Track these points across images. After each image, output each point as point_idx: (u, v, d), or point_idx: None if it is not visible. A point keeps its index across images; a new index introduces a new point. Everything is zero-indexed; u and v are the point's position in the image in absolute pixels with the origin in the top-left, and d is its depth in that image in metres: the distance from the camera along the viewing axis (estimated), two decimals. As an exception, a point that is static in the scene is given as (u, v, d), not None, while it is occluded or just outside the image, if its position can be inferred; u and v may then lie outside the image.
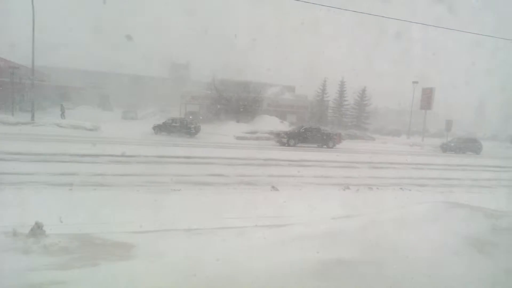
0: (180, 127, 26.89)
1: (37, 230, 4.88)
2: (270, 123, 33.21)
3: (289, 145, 24.48)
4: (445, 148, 30.28)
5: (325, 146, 25.45)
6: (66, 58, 51.64)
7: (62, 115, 31.08)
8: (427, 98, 39.29)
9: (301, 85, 52.02)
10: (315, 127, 26.66)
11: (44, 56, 27.97)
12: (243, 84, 37.18)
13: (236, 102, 36.43)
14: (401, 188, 11.27)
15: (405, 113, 43.68)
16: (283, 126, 33.46)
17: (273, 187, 9.59)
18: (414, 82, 39.76)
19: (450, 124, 37.44)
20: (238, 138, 27.39)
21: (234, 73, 39.32)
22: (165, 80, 59.17)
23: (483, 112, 50.97)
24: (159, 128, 27.01)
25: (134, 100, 49.29)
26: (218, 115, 36.92)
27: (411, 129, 42.83)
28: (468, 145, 30.68)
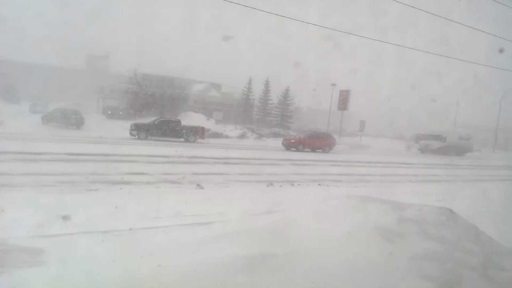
0: (63, 118, 25.61)
1: None
2: (196, 120, 32.76)
3: (139, 138, 22.93)
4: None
5: (183, 141, 24.15)
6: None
7: None
8: (343, 100, 42.16)
9: (227, 83, 52.16)
10: (174, 120, 25.53)
11: None
12: (168, 80, 36.08)
13: (160, 98, 35.22)
14: (319, 184, 11.95)
15: (324, 113, 46.38)
16: (209, 124, 33.27)
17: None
18: (332, 84, 42.42)
19: (363, 124, 40.76)
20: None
21: (158, 68, 37.96)
22: (81, 72, 54.54)
23: (394, 114, 56.35)
24: (47, 119, 25.86)
25: (46, 92, 44.63)
26: (140, 110, 35.28)
27: (329, 128, 45.66)
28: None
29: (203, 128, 25.83)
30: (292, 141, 26.52)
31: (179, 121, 25.41)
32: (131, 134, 23.19)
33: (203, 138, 25.18)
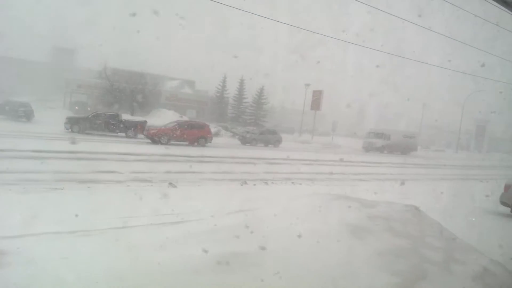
0: (10, 111, 25.00)
1: None
2: (169, 118, 32.23)
3: (72, 132, 21.84)
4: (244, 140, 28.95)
5: (124, 136, 23.18)
6: None
7: None
8: (316, 100, 42.83)
9: (201, 80, 51.65)
10: (112, 114, 24.49)
11: None
12: (139, 75, 35.24)
13: (131, 94, 34.38)
14: (292, 183, 12.10)
15: (298, 113, 46.92)
16: (182, 121, 32.83)
17: None
18: (306, 85, 42.95)
19: (336, 124, 41.58)
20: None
21: (129, 63, 37.00)
22: (46, 65, 52.19)
23: (364, 114, 57.72)
24: None
25: (5, 87, 42.42)
26: (109, 106, 34.27)
27: (302, 128, 46.20)
28: (267, 137, 29.61)
29: (144, 123, 24.30)
30: (153, 131, 21.89)
31: (116, 115, 24.33)
32: (65, 127, 22.22)
33: (143, 134, 23.00)
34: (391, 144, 35.24)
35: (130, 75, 35.17)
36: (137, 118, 27.32)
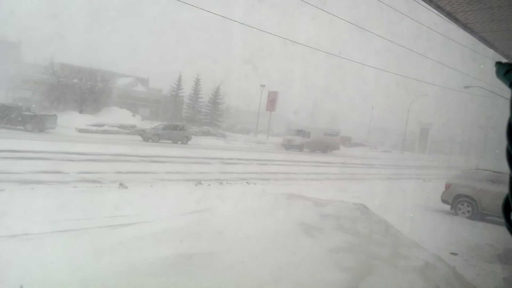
0: None
1: None
2: (121, 116, 31.00)
3: None
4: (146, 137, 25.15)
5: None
6: None
7: None
8: (272, 101, 43.35)
9: (154, 78, 50.31)
10: (12, 106, 22.76)
11: None
12: (89, 71, 33.58)
13: (80, 91, 32.71)
14: (247, 182, 12.12)
15: (254, 114, 47.22)
16: (135, 120, 31.73)
17: None
18: (261, 85, 43.34)
19: (289, 125, 42.38)
20: (81, 131, 24.63)
21: (78, 58, 35.15)
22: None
23: (318, 116, 59.37)
24: None
25: None
26: (56, 103, 32.33)
27: (258, 128, 46.58)
28: (173, 134, 26.47)
29: (51, 117, 23.16)
30: None
31: (18, 107, 22.65)
32: None
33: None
34: (310, 142, 33.39)
35: (79, 71, 33.41)
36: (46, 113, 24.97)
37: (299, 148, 32.89)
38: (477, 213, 10.16)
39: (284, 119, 48.57)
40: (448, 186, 10.97)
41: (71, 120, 26.55)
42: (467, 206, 10.40)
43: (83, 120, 27.23)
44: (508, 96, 0.90)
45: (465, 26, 5.74)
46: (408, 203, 11.09)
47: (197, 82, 49.59)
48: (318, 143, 34.19)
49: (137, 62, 59.53)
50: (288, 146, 33.25)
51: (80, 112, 30.85)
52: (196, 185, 10.32)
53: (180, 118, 43.77)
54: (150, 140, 24.56)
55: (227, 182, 11.72)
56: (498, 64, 1.01)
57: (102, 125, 26.77)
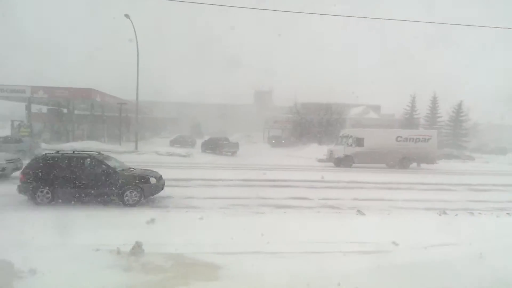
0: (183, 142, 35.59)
1: (137, 249, 5.48)
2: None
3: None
4: None
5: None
6: (164, 93, 57.25)
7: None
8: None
9: (386, 104, 49.83)
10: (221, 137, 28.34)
11: (146, 92, 31.47)
12: (325, 107, 37.01)
13: (318, 125, 36.42)
14: (508, 213, 9.99)
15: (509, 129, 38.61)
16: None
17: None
18: (521, 93, 35.14)
19: None
20: (320, 160, 26.97)
21: (316, 96, 39.50)
22: (248, 106, 62.01)
23: None
24: (173, 142, 35.18)
25: (223, 126, 52.20)
26: (299, 137, 37.27)
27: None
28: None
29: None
30: None
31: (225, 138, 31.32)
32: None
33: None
34: None
35: (317, 107, 37.38)
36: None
37: None
38: None
39: None
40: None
41: (311, 151, 29.79)
42: None
43: (321, 150, 29.88)
44: None
45: None
46: None
47: (433, 100, 45.73)
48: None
49: (367, 90, 60.83)
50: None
51: (319, 143, 34.07)
52: (440, 215, 9.36)
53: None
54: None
55: (479, 213, 10.04)
56: None
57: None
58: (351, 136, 22.96)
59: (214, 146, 30.31)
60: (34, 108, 34.43)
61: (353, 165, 22.33)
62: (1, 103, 35.59)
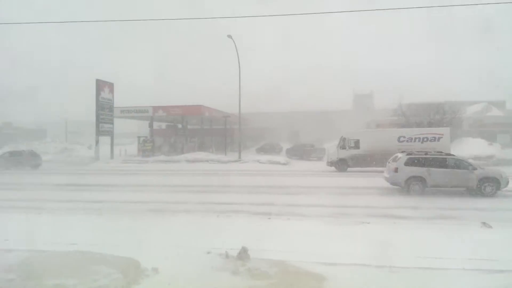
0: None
1: (244, 254, 5.63)
2: (474, 146, 28.43)
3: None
4: None
5: None
6: (267, 104, 59.20)
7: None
8: None
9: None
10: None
11: (247, 104, 33.19)
12: (436, 106, 33.61)
13: (428, 125, 33.24)
14: None
15: None
16: (493, 149, 28.08)
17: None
18: None
19: None
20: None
21: (419, 96, 36.33)
22: (348, 112, 60.10)
23: None
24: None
25: (320, 134, 51.49)
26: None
27: None
28: None
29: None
30: None
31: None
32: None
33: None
34: None
35: (425, 108, 34.22)
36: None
37: None
38: None
39: None
40: None
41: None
42: None
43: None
44: None
45: None
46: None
47: None
48: None
49: (488, 86, 53.44)
50: None
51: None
52: None
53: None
54: None
55: None
56: None
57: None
58: (345, 138, 22.07)
59: (300, 152, 32.30)
60: (155, 125, 38.92)
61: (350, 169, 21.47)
62: (130, 122, 41.25)
